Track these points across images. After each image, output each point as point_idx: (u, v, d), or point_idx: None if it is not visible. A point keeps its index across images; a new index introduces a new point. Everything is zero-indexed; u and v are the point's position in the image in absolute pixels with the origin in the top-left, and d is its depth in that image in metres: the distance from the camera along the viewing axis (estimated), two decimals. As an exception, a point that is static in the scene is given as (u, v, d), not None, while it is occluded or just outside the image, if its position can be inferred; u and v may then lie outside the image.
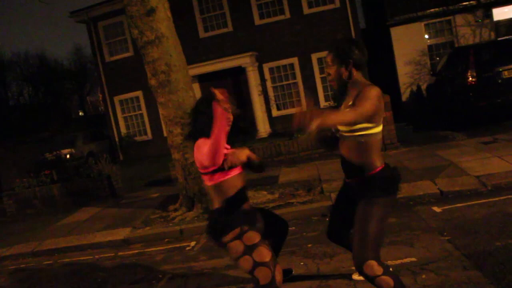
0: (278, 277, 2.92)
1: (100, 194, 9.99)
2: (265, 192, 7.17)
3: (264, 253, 2.90)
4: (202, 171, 3.02)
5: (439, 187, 6.26)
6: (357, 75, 2.95)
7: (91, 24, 18.74)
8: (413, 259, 4.04)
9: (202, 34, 17.41)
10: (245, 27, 16.99)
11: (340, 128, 3.02)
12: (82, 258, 6.36)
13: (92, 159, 17.76)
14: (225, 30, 17.27)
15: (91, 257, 6.34)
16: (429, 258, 4.00)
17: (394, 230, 4.97)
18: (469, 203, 5.52)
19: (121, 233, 6.85)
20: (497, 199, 5.50)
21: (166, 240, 6.41)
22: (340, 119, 2.74)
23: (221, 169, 2.94)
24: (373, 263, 2.78)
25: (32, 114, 31.37)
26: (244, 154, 2.99)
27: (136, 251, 6.23)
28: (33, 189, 10.21)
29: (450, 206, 5.53)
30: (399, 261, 4.03)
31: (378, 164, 2.93)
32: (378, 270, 2.78)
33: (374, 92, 2.77)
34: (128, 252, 6.26)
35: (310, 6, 16.57)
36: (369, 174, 2.93)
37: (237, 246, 2.92)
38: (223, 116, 2.77)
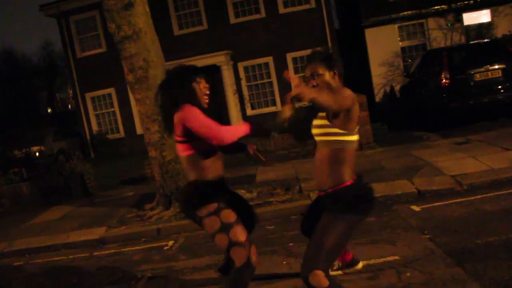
0: (254, 258, 2.91)
1: (73, 193, 9.73)
2: (243, 191, 7.09)
3: (240, 233, 2.87)
4: (180, 139, 2.97)
5: (416, 187, 6.33)
6: (340, 83, 2.92)
7: (62, 18, 18.32)
8: (396, 257, 4.05)
9: (176, 31, 17.23)
10: (220, 26, 16.90)
11: (314, 132, 2.97)
12: (55, 259, 6.16)
13: (63, 157, 17.42)
14: (200, 28, 17.14)
15: (65, 257, 6.16)
16: (412, 256, 4.02)
17: (375, 229, 4.99)
18: (446, 202, 5.59)
19: (96, 233, 6.68)
20: (473, 198, 5.60)
21: (143, 239, 6.28)
22: (324, 99, 2.58)
23: (199, 138, 2.91)
24: (321, 273, 2.67)
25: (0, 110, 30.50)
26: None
27: (112, 250, 6.08)
28: (1, 187, 9.88)
29: (428, 205, 5.59)
30: (382, 260, 4.04)
31: (347, 177, 2.81)
32: (324, 282, 2.66)
33: (350, 92, 2.75)
34: (104, 252, 6.11)
35: (285, 5, 16.62)
36: (335, 187, 2.81)
37: (213, 223, 2.88)
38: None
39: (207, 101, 3.09)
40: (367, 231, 4.95)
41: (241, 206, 3.24)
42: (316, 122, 2.97)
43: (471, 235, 4.30)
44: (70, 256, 6.14)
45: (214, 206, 2.92)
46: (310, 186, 6.96)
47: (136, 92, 6.67)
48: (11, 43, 77.32)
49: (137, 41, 6.50)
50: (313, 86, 2.85)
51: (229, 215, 2.92)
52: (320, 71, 2.88)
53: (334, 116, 2.80)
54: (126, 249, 6.03)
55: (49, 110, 41.36)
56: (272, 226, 5.85)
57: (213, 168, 3.01)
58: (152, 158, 6.89)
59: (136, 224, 6.74)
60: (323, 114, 2.88)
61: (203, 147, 2.95)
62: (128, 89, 6.94)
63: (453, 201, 5.61)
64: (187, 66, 3.18)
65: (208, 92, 3.08)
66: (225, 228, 2.87)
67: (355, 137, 2.84)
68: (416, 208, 5.58)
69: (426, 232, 4.60)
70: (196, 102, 3.00)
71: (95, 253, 6.10)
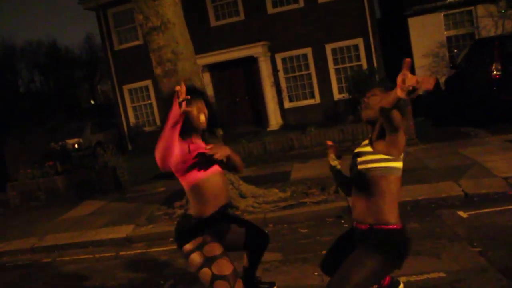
0: None
1: (105, 187, 9.65)
2: (276, 190, 6.75)
3: (224, 266, 2.67)
4: (176, 173, 2.82)
5: (463, 189, 5.81)
6: None
7: (100, 11, 18.35)
8: (442, 274, 3.61)
9: (213, 22, 16.95)
10: (257, 16, 16.50)
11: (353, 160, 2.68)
12: (82, 257, 6.02)
13: (101, 149, 17.55)
14: (236, 18, 16.78)
15: (91, 256, 6.00)
16: (460, 273, 3.57)
17: (417, 237, 4.53)
18: (498, 209, 5.07)
19: (124, 231, 6.50)
20: (529, 204, 5.06)
21: (171, 239, 6.02)
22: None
23: (193, 167, 2.73)
24: None
25: (42, 102, 31.18)
26: (226, 150, 2.77)
27: (139, 251, 5.88)
28: (37, 180, 9.90)
29: (477, 211, 5.08)
30: (425, 276, 3.62)
31: (393, 218, 2.51)
32: None
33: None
34: (130, 251, 5.91)
35: (325, -6, 16.02)
36: (382, 226, 2.50)
37: (196, 258, 2.70)
38: (174, 113, 2.51)
39: (202, 126, 2.86)
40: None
41: (246, 229, 3.02)
42: (358, 149, 2.69)
43: (528, 250, 3.81)
44: (97, 255, 5.97)
45: (199, 240, 2.73)
46: (347, 186, 6.53)
47: (165, 86, 6.41)
48: (55, 37, 79.09)
49: (166, 33, 6.22)
50: (365, 105, 2.65)
51: (214, 248, 2.72)
52: (378, 91, 2.64)
53: (379, 137, 2.51)
54: (153, 249, 5.82)
55: (92, 102, 42.20)
56: (305, 230, 5.49)
57: (210, 188, 2.78)
58: (181, 154, 6.62)
59: (165, 222, 6.52)
60: (366, 141, 2.67)
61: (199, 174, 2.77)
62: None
63: (506, 207, 5.07)
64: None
65: (203, 118, 2.83)
66: (208, 261, 2.68)
67: (400, 164, 2.52)
68: (463, 214, 5.09)
69: (475, 244, 4.12)
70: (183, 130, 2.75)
71: (121, 253, 5.91)
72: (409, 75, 2.07)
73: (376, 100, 2.56)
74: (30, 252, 6.62)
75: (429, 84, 2.02)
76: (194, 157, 2.73)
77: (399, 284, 3.03)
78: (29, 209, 9.54)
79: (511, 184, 5.71)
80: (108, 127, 19.80)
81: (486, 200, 5.43)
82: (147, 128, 18.41)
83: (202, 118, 2.83)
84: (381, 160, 2.49)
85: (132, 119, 18.65)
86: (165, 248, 5.72)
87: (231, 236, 2.92)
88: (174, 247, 5.65)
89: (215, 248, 2.72)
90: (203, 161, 2.74)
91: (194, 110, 2.80)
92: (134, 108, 18.68)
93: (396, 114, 2.27)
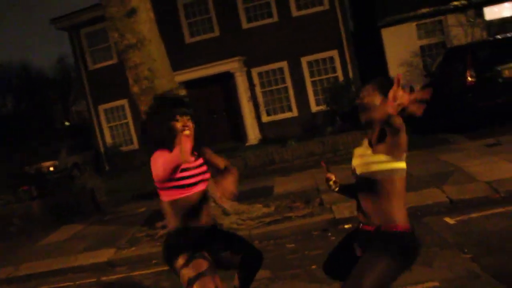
0: None
1: (84, 210, 9.38)
2: (260, 206, 6.64)
3: (207, 285, 2.59)
4: (159, 185, 2.73)
5: (448, 195, 5.80)
6: None
7: (73, 31, 18.12)
8: (436, 283, 3.55)
9: (188, 39, 16.88)
10: (232, 31, 16.50)
11: (355, 162, 2.62)
12: (62, 285, 5.78)
13: (77, 171, 17.17)
14: (212, 34, 16.76)
15: (71, 283, 5.77)
16: (453, 281, 3.51)
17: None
18: (484, 213, 5.06)
19: (105, 255, 6.28)
20: (514, 207, 5.06)
21: (154, 261, 5.86)
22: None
23: (181, 186, 2.70)
24: None
25: (15, 124, 30.51)
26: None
27: (121, 275, 5.67)
28: (11, 206, 9.58)
29: (464, 217, 5.06)
30: (419, 286, 3.54)
31: (399, 220, 2.46)
32: None
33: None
34: (112, 276, 5.71)
35: (298, 8, 16.14)
36: (390, 228, 2.45)
37: (185, 274, 2.64)
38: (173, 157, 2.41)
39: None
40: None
41: (239, 247, 2.95)
42: (357, 151, 2.65)
43: (520, 255, 3.78)
44: (77, 282, 5.75)
45: (186, 256, 2.67)
46: (333, 198, 6.47)
47: (142, 104, 6.27)
48: (27, 57, 77.82)
49: (142, 50, 6.10)
50: (362, 105, 2.54)
51: (199, 264, 2.65)
52: (371, 90, 2.54)
53: (379, 139, 2.46)
54: (136, 273, 5.62)
55: (66, 123, 41.50)
56: (292, 245, 5.38)
57: (193, 204, 2.76)
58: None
59: (147, 244, 6.33)
60: (364, 142, 2.64)
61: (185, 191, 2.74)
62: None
63: (492, 211, 5.07)
64: (166, 100, 2.89)
65: (188, 131, 2.74)
66: (194, 278, 2.62)
67: (404, 164, 2.47)
68: (450, 220, 5.06)
69: (466, 250, 4.08)
70: (170, 146, 2.71)
71: (103, 278, 5.70)
72: (401, 92, 2.00)
73: (371, 100, 2.50)
74: (6, 283, 6.33)
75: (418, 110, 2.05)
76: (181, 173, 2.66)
77: None
78: (3, 236, 9.19)
79: (494, 188, 5.72)
80: (84, 148, 19.40)
81: (471, 205, 5.42)
82: (124, 148, 18.12)
83: (187, 132, 2.73)
84: (383, 162, 2.43)
85: (108, 139, 18.35)
86: (148, 271, 5.54)
87: (224, 254, 2.84)
88: (158, 269, 5.49)
89: (201, 264, 2.66)
90: (191, 178, 2.70)
91: (180, 125, 2.74)
92: (111, 128, 18.40)
93: (396, 117, 2.20)
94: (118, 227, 7.70)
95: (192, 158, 2.79)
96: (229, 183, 2.62)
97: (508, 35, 10.77)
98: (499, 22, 16.05)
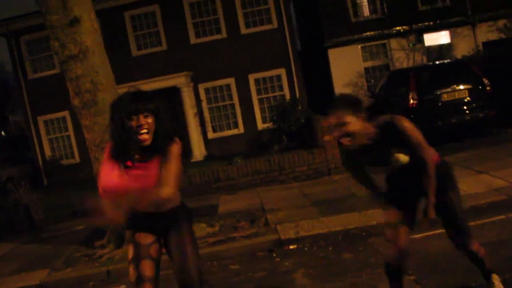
0: None
1: (17, 227, 8.82)
2: (204, 225, 6.47)
3: (131, 274, 2.77)
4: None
5: (391, 216, 5.86)
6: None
7: (12, 38, 17.32)
8: (381, 307, 3.52)
9: (135, 52, 16.56)
10: (180, 46, 16.35)
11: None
12: (-13, 310, 5.35)
13: (12, 185, 16.22)
14: (159, 48, 16.54)
15: (-2, 308, 5.35)
16: (398, 305, 3.49)
17: (352, 268, 4.46)
18: (426, 234, 5.11)
19: (37, 277, 5.87)
20: (454, 229, 5.16)
21: (91, 283, 5.55)
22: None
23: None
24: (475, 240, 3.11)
25: None
26: None
27: (54, 299, 5.32)
28: None
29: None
30: (365, 310, 3.50)
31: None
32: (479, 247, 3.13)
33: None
34: (44, 300, 5.34)
35: (247, 26, 16.25)
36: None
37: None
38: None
39: (143, 138, 2.62)
40: (344, 272, 4.43)
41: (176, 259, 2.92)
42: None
43: (463, 276, 3.82)
44: (5, 307, 5.34)
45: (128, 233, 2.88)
46: (277, 217, 6.41)
47: (83, 118, 6.00)
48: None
49: (84, 61, 5.84)
50: (344, 136, 2.80)
51: (128, 252, 2.83)
52: (348, 119, 2.76)
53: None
54: (71, 296, 5.29)
55: (2, 133, 39.50)
56: (236, 266, 5.24)
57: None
58: (102, 190, 6.17)
59: (84, 265, 6.00)
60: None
61: None
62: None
63: (433, 232, 5.14)
64: (125, 95, 2.71)
65: (143, 129, 2.59)
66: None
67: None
68: (394, 241, 5.09)
69: (410, 272, 4.09)
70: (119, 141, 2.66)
71: (33, 303, 5.32)
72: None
73: (352, 126, 2.75)
74: None
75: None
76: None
77: None
78: None
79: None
80: (21, 160, 18.43)
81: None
82: (64, 162, 17.41)
83: (145, 136, 2.59)
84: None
85: (48, 152, 17.57)
86: (85, 294, 5.23)
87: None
88: (95, 293, 5.19)
89: (129, 252, 2.80)
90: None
91: (134, 124, 2.59)
92: (50, 141, 17.63)
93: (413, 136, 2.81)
94: (55, 246, 7.28)
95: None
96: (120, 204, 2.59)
97: (446, 61, 11.28)
98: (437, 48, 16.86)
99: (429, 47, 16.87)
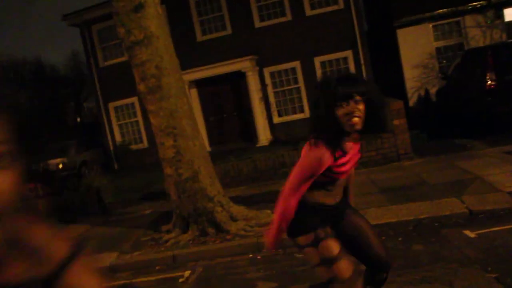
0: None
1: (89, 210, 9.18)
2: (269, 211, 6.36)
3: (345, 269, 2.41)
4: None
5: (467, 206, 5.49)
6: None
7: (84, 27, 17.99)
8: (457, 306, 3.26)
9: (200, 37, 16.67)
10: (244, 30, 16.25)
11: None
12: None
13: (86, 169, 16.99)
14: (224, 33, 16.52)
15: (71, 288, 5.55)
16: (477, 305, 3.22)
17: (424, 261, 4.19)
18: (507, 227, 4.74)
19: (107, 259, 6.05)
20: (539, 221, 4.74)
21: (157, 267, 5.63)
22: None
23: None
24: None
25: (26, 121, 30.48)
26: None
27: (123, 281, 5.45)
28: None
29: (485, 230, 4.74)
30: (439, 308, 3.26)
31: None
32: None
33: None
34: (113, 282, 5.47)
35: (312, 7, 15.84)
36: None
37: (312, 255, 2.48)
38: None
39: (354, 124, 2.33)
40: (415, 264, 4.16)
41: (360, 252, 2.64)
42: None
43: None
44: None
45: (311, 236, 2.46)
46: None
47: (149, 103, 6.05)
48: (40, 54, 78.20)
49: (149, 47, 5.87)
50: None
51: (330, 247, 2.43)
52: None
53: None
54: (138, 279, 5.39)
55: (78, 120, 41.57)
56: (302, 255, 5.10)
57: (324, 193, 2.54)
58: (167, 175, 6.24)
59: (151, 249, 6.10)
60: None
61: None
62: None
63: (515, 224, 4.75)
64: (329, 81, 2.40)
65: (357, 115, 2.32)
66: (326, 262, 2.42)
67: None
68: (470, 233, 4.75)
69: (490, 269, 3.77)
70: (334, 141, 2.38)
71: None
72: None
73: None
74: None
75: None
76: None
77: None
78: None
79: (517, 200, 5.40)
80: (93, 145, 19.26)
81: (493, 217, 5.11)
82: (133, 146, 17.99)
83: (356, 119, 2.31)
84: None
85: (118, 137, 18.22)
86: (152, 278, 5.31)
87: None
88: (161, 276, 5.26)
89: (333, 247, 2.44)
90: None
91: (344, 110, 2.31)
92: (120, 126, 18.25)
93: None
94: (123, 229, 7.49)
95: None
96: None
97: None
98: (520, 24, 15.62)
99: (510, 23, 15.65)
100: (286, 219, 2.47)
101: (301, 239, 2.49)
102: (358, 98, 2.29)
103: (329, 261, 2.40)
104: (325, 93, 2.35)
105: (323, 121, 2.35)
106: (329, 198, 2.54)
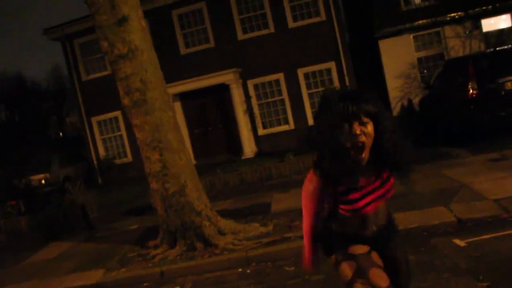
0: None
1: (74, 226, 9.02)
2: (257, 224, 6.32)
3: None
4: None
5: (455, 214, 5.50)
6: None
7: (66, 41, 17.84)
8: (452, 316, 3.24)
9: (183, 50, 16.64)
10: (228, 42, 16.28)
11: None
12: (45, 309, 5.43)
13: (69, 184, 16.72)
14: (207, 45, 16.53)
15: (56, 307, 5.42)
16: (471, 315, 3.21)
17: (416, 271, 4.16)
18: (496, 234, 4.76)
19: (93, 277, 5.92)
20: (526, 228, 4.77)
21: (145, 284, 5.53)
22: None
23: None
24: None
25: (7, 135, 30.13)
26: None
27: (110, 299, 5.33)
28: (-2, 221, 9.22)
29: (474, 239, 4.75)
30: (434, 320, 3.23)
31: None
32: None
33: None
34: (100, 300, 5.36)
35: (295, 19, 15.94)
36: None
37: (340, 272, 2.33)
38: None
39: (358, 150, 2.03)
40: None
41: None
42: None
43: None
44: (63, 306, 5.40)
45: (333, 259, 2.34)
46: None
47: (134, 117, 5.98)
48: (21, 68, 77.24)
49: (133, 60, 5.82)
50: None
51: (343, 271, 2.26)
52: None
53: None
54: (126, 297, 5.28)
55: (61, 134, 41.10)
56: (292, 268, 5.06)
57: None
58: (154, 190, 6.16)
59: (138, 265, 5.99)
60: None
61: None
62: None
63: (504, 232, 4.77)
64: (333, 95, 2.09)
65: (361, 140, 2.00)
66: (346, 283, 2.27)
67: None
68: (460, 242, 4.75)
69: (481, 277, 3.77)
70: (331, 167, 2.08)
71: (90, 303, 5.35)
72: None
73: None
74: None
75: None
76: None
77: None
78: (-11, 254, 8.81)
79: (504, 207, 5.43)
80: (77, 160, 18.98)
81: (481, 225, 5.13)
82: (117, 161, 17.79)
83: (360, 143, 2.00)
84: None
85: (102, 152, 18.01)
86: (139, 295, 5.20)
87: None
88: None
89: (348, 271, 2.27)
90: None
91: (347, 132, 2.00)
92: (104, 140, 18.06)
93: None
94: (109, 245, 7.35)
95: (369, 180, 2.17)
96: None
97: (508, 46, 10.58)
98: (497, 34, 15.94)
99: (487, 33, 15.96)
100: (307, 238, 2.43)
101: (330, 260, 2.39)
102: (365, 119, 1.99)
103: (346, 284, 2.28)
104: (324, 113, 2.04)
105: (321, 145, 2.06)
106: (360, 230, 2.29)
